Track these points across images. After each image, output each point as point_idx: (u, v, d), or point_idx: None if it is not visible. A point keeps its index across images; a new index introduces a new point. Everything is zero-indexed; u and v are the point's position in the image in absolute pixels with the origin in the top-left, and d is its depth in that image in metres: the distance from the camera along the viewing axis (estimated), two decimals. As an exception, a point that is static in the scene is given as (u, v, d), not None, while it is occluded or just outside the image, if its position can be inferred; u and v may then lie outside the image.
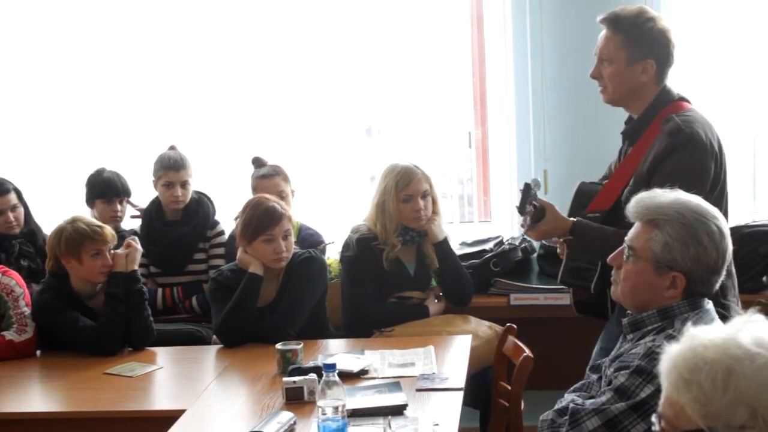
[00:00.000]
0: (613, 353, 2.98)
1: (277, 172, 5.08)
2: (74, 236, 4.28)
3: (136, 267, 4.40)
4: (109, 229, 4.37)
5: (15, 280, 4.42)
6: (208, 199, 5.31)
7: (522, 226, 3.73)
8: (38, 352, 4.38)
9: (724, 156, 3.58)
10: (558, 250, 3.85)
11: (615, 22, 3.61)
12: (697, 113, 3.60)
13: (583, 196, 3.82)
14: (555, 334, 4.75)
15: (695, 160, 3.45)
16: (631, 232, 2.88)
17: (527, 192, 3.65)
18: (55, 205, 5.67)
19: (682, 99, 3.66)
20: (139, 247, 4.45)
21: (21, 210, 5.10)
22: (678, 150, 3.44)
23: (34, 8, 5.90)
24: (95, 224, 4.37)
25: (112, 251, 4.36)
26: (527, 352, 3.74)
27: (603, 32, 3.66)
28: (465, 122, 5.80)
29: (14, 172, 5.43)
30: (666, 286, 2.79)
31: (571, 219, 3.65)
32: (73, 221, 4.34)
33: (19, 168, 5.74)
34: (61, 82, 5.95)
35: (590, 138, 5.23)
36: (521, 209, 3.67)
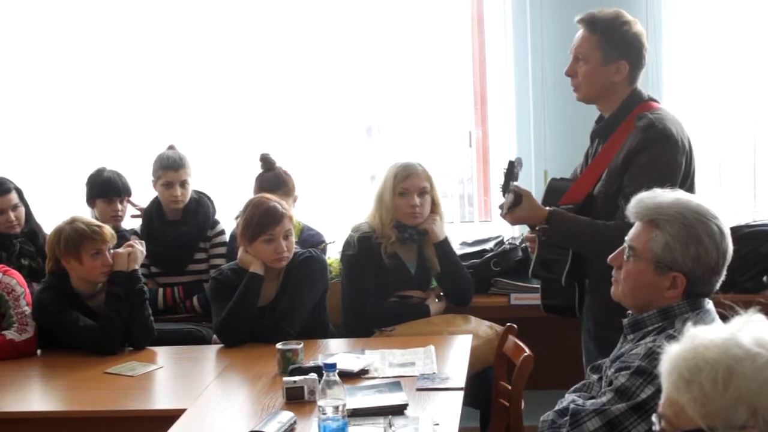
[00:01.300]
0: (613, 353, 2.98)
1: (276, 186, 5.02)
2: (73, 236, 4.28)
3: (137, 266, 4.40)
4: (108, 229, 4.37)
5: (16, 280, 4.42)
6: (208, 198, 5.31)
7: (500, 208, 3.81)
8: (39, 352, 4.37)
9: (693, 154, 3.73)
10: (528, 245, 3.95)
11: (592, 23, 3.75)
12: (668, 112, 3.77)
13: (554, 192, 3.98)
14: (555, 333, 4.73)
15: (667, 155, 3.60)
16: (631, 232, 2.89)
17: (511, 170, 3.77)
18: (55, 204, 5.68)
19: (652, 99, 3.82)
20: (141, 247, 4.45)
21: (22, 209, 5.10)
22: (651, 144, 3.59)
23: (34, 9, 5.90)
24: (94, 224, 4.38)
25: (112, 251, 4.36)
26: (528, 351, 3.74)
27: (580, 32, 3.79)
28: (465, 122, 5.80)
29: (15, 171, 5.44)
30: (666, 287, 2.79)
31: (548, 208, 3.77)
32: (72, 221, 4.34)
33: (19, 167, 5.75)
34: (61, 82, 5.95)
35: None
36: (504, 188, 3.78)
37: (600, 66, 3.73)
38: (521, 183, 3.87)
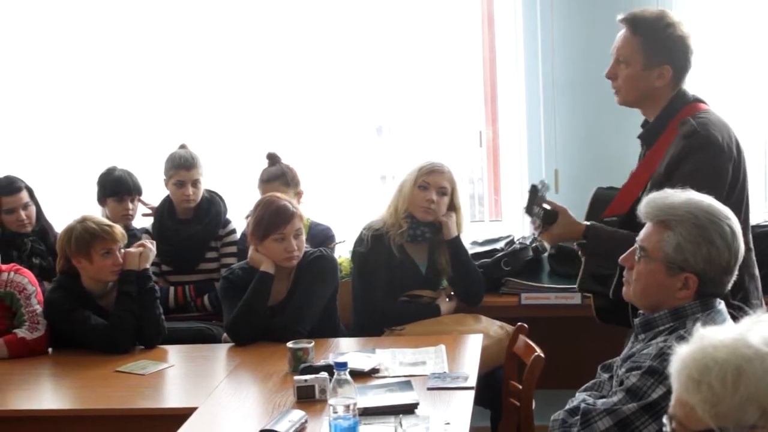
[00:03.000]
0: (624, 353, 2.98)
1: (276, 176, 5.07)
2: (84, 236, 4.29)
3: (148, 266, 4.41)
4: (118, 228, 4.38)
5: (27, 278, 4.43)
6: (220, 197, 5.33)
7: (534, 229, 3.73)
8: (50, 350, 4.38)
9: (743, 158, 3.56)
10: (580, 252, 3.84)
11: (635, 23, 3.57)
12: (714, 115, 3.56)
13: (600, 201, 3.79)
14: (566, 333, 4.75)
15: (712, 163, 3.41)
16: (642, 233, 2.88)
17: (533, 194, 3.65)
18: (66, 203, 5.70)
19: (698, 100, 3.62)
20: (153, 248, 4.46)
21: (33, 208, 5.12)
22: (694, 152, 3.41)
23: (45, 8, 5.91)
24: (105, 223, 4.39)
25: (123, 250, 4.37)
26: (538, 351, 3.73)
27: (622, 32, 3.61)
28: (476, 121, 5.80)
29: (26, 170, 5.45)
30: (678, 287, 2.78)
31: (584, 223, 3.63)
32: (83, 221, 4.35)
33: (30, 166, 5.76)
34: (72, 81, 5.97)
35: (601, 138, 5.23)
36: (528, 210, 3.67)
37: (641, 70, 3.56)
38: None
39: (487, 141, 5.76)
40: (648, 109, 3.66)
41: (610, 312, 3.78)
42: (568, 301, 4.73)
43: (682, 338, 2.54)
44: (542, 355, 3.70)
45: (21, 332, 4.29)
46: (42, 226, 5.17)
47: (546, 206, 3.62)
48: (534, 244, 5.18)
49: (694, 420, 1.82)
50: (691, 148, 3.42)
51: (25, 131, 6.02)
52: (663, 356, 2.66)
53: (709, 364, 1.80)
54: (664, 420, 1.95)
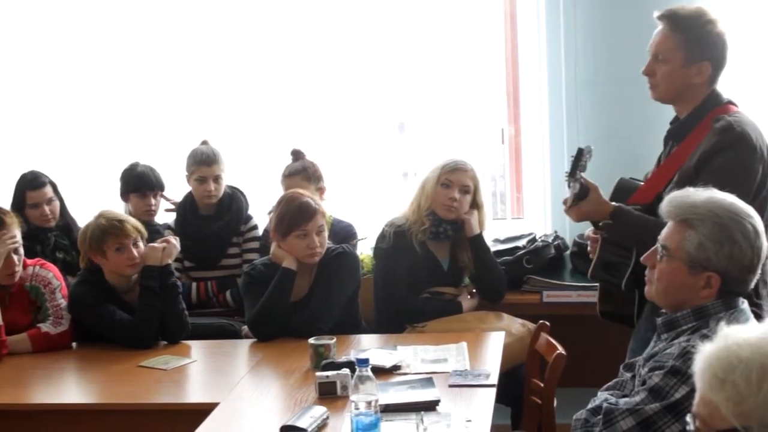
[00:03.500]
0: (647, 352, 2.97)
1: (298, 171, 5.09)
2: (96, 233, 4.32)
3: (170, 261, 4.41)
4: (131, 223, 4.38)
5: (52, 273, 4.45)
6: (242, 193, 5.34)
7: (564, 203, 3.70)
8: (74, 345, 4.41)
9: None
10: (588, 248, 3.83)
11: (675, 20, 3.56)
12: (747, 116, 3.56)
13: (623, 190, 3.78)
14: (588, 331, 4.71)
15: (743, 160, 3.41)
16: (664, 232, 2.87)
17: (579, 157, 3.60)
18: (90, 198, 5.72)
19: (731, 103, 3.62)
20: (177, 244, 4.47)
21: (57, 203, 5.15)
22: (727, 148, 3.40)
23: (69, 6, 5.94)
24: (117, 218, 4.39)
25: (146, 244, 4.39)
26: (560, 349, 3.73)
27: (660, 29, 3.60)
28: (498, 119, 5.79)
29: (50, 166, 5.48)
30: (701, 286, 2.78)
31: (613, 204, 3.61)
32: (98, 217, 4.38)
33: (54, 162, 5.79)
34: (96, 77, 5.98)
35: (624, 135, 5.20)
36: (571, 175, 3.62)
37: (681, 67, 3.54)
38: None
39: (510, 138, 5.75)
40: (682, 106, 3.64)
41: (613, 314, 3.80)
42: (590, 299, 4.66)
43: (705, 337, 2.54)
44: (564, 353, 3.69)
45: (45, 327, 4.32)
46: (66, 221, 5.19)
47: (581, 180, 3.59)
48: (556, 242, 5.18)
49: (718, 418, 1.83)
50: (725, 144, 3.41)
51: (50, 127, 6.04)
52: (686, 356, 2.66)
53: (733, 362, 1.80)
54: (688, 419, 1.95)
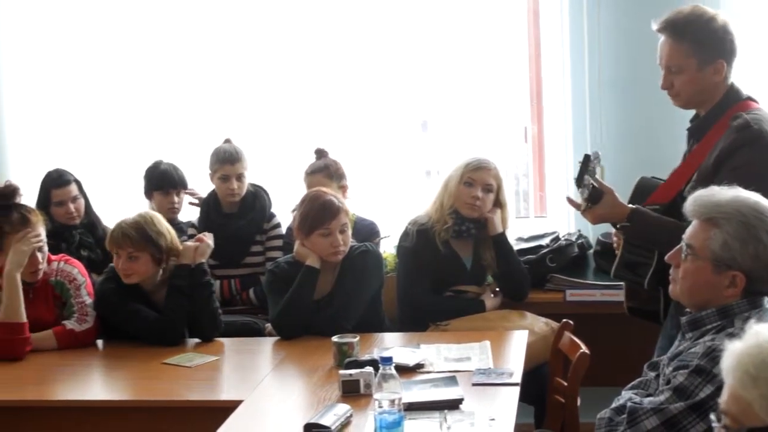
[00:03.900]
0: (671, 351, 2.97)
1: (320, 169, 5.10)
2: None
3: (204, 260, 4.40)
4: (119, 231, 4.31)
5: (77, 269, 4.46)
6: (264, 191, 5.35)
7: (579, 206, 3.70)
8: (100, 342, 4.41)
9: None
10: (614, 244, 3.82)
11: (676, 29, 3.53)
12: (766, 113, 3.53)
13: (643, 190, 3.77)
14: (611, 330, 4.71)
15: (762, 158, 3.38)
16: (689, 231, 2.86)
17: (585, 164, 3.60)
18: (114, 196, 5.76)
19: (750, 99, 3.60)
20: (210, 242, 4.45)
21: (81, 201, 5.17)
22: (745, 146, 3.39)
23: (94, 5, 5.97)
24: (116, 226, 4.39)
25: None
26: (584, 348, 3.72)
27: (663, 40, 3.57)
28: (521, 117, 5.78)
29: (75, 164, 5.52)
30: (725, 285, 2.77)
31: (630, 206, 3.60)
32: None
33: (79, 160, 5.83)
34: (121, 77, 6.02)
35: (648, 134, 5.19)
36: (578, 181, 3.62)
37: (697, 72, 3.52)
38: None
39: (533, 137, 5.75)
40: (705, 106, 3.62)
41: (640, 310, 3.78)
42: (614, 298, 4.67)
43: (731, 336, 2.52)
44: (588, 352, 3.68)
45: (70, 324, 4.32)
46: (90, 219, 5.22)
47: (594, 182, 3.59)
48: (580, 241, 5.17)
49: (751, 416, 1.82)
50: (743, 142, 3.40)
51: (74, 126, 6.08)
52: (711, 355, 2.65)
53: (766, 359, 1.79)
54: (712, 417, 1.95)
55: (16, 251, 4.24)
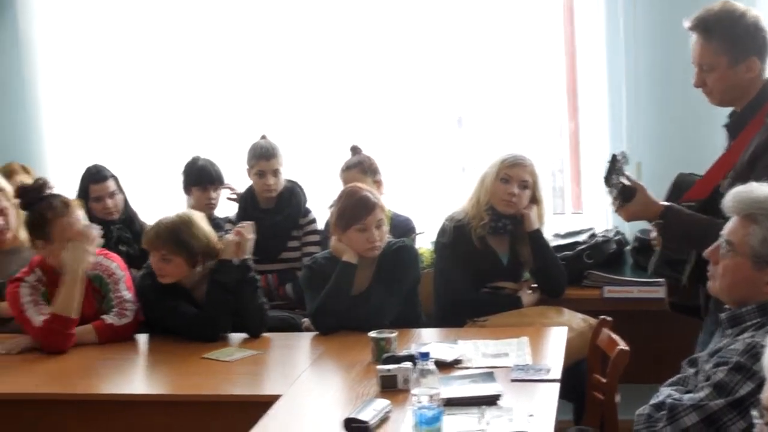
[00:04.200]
0: (710, 347, 2.96)
1: (354, 165, 5.13)
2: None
3: (247, 255, 4.39)
4: (150, 233, 4.37)
5: (116, 264, 4.49)
6: (300, 187, 5.38)
7: (612, 204, 3.69)
8: (143, 336, 4.44)
9: None
10: (653, 241, 3.81)
11: (706, 28, 3.51)
12: None
13: (680, 186, 3.76)
14: (649, 327, 4.70)
15: None
16: (727, 227, 2.86)
17: (613, 164, 3.60)
18: (152, 192, 5.81)
19: None
20: (250, 235, 4.43)
21: (119, 197, 5.22)
22: None
23: (131, 3, 6.01)
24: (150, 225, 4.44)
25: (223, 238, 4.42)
26: (622, 344, 3.71)
27: (694, 39, 3.55)
28: (557, 113, 5.77)
29: (113, 160, 5.57)
30: (765, 281, 2.77)
31: (663, 203, 3.59)
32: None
33: (117, 156, 5.88)
34: (158, 74, 6.08)
35: (685, 130, 5.16)
36: (607, 181, 3.62)
37: (728, 70, 3.49)
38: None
39: (569, 133, 5.73)
40: (739, 103, 3.59)
41: (682, 306, 3.77)
42: (652, 294, 4.68)
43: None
44: (626, 348, 3.67)
45: (109, 318, 4.35)
46: (128, 215, 5.27)
47: (624, 181, 3.58)
48: (617, 237, 5.16)
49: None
50: None
51: (112, 122, 6.14)
52: (751, 351, 2.65)
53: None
54: (754, 413, 1.95)
55: (78, 248, 4.28)
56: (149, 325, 4.47)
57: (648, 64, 5.24)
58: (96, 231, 4.36)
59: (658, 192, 3.75)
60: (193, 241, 4.29)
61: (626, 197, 3.57)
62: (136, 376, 4.12)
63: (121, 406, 3.71)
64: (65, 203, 4.34)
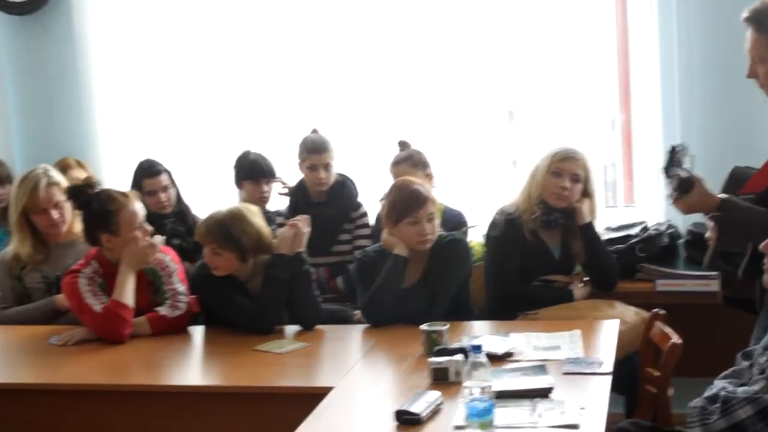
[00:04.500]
0: (765, 340, 2.94)
1: (404, 159, 5.14)
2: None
3: (302, 249, 4.40)
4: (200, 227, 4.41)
5: (170, 256, 4.53)
6: (351, 181, 5.39)
7: (669, 196, 3.67)
8: (199, 328, 4.48)
9: None
10: (707, 234, 3.78)
11: (758, 21, 3.51)
12: None
13: (736, 179, 3.74)
14: (702, 320, 4.67)
15: None
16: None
17: (672, 154, 3.59)
18: (205, 186, 5.86)
19: None
20: (305, 228, 4.43)
21: (172, 190, 5.27)
22: None
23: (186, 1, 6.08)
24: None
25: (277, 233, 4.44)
26: (675, 338, 3.69)
27: (748, 32, 3.55)
28: (608, 106, 5.74)
29: (166, 154, 5.62)
30: (821, 275, 2.74)
31: (720, 195, 3.57)
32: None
33: (170, 150, 5.93)
34: (210, 69, 6.13)
35: (739, 123, 5.11)
36: (666, 172, 3.60)
37: None
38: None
39: (621, 126, 5.70)
40: None
41: (736, 300, 3.74)
42: (705, 288, 4.64)
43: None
44: (679, 341, 3.65)
45: (163, 310, 4.38)
46: (181, 208, 5.32)
47: (682, 173, 3.56)
48: (670, 230, 5.12)
49: None
50: None
51: (165, 117, 6.19)
52: (806, 344, 2.63)
53: None
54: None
55: (134, 252, 4.35)
56: (207, 316, 4.50)
57: (701, 55, 5.19)
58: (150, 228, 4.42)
59: (712, 185, 3.73)
60: (243, 236, 4.31)
61: (684, 189, 3.55)
62: (190, 368, 4.15)
63: (174, 398, 3.73)
64: (124, 194, 4.39)
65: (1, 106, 6.19)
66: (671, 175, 3.57)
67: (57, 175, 4.85)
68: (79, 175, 5.42)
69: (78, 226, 4.60)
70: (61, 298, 4.56)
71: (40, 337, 4.41)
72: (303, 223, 4.44)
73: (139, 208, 4.40)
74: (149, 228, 4.41)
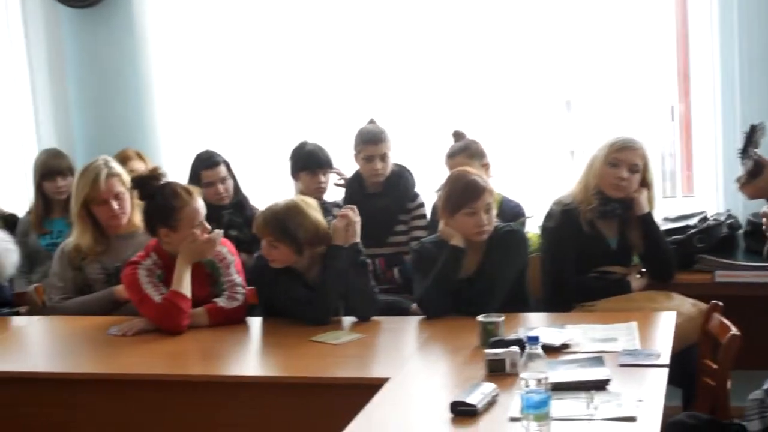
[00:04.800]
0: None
1: (460, 150, 5.12)
2: None
3: (357, 239, 4.40)
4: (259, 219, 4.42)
5: (227, 248, 4.55)
6: (408, 171, 5.39)
7: (738, 180, 3.61)
8: (257, 320, 4.50)
9: None
10: (764, 226, 3.74)
11: None
12: None
13: None
14: (762, 312, 4.62)
15: None
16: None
17: (751, 134, 3.52)
18: (263, 177, 5.89)
19: None
20: (356, 218, 4.42)
21: (230, 182, 5.30)
22: None
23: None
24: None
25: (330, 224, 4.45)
26: (734, 330, 3.65)
27: None
28: (667, 95, 5.69)
29: (224, 145, 5.65)
30: None
31: None
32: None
33: (228, 141, 5.97)
34: (267, 61, 6.17)
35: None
36: (743, 153, 3.54)
37: None
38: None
39: (680, 116, 5.64)
40: None
41: None
42: (765, 279, 4.60)
43: None
44: (739, 334, 3.61)
45: (221, 302, 4.41)
46: (239, 200, 5.35)
47: (754, 156, 3.50)
48: (729, 221, 5.06)
49: None
50: None
51: (223, 108, 6.24)
52: None
53: None
54: None
55: (192, 247, 4.38)
56: (264, 308, 4.53)
57: (762, 44, 5.13)
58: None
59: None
60: (299, 229, 4.31)
61: (754, 173, 3.50)
62: (247, 359, 4.17)
63: (231, 388, 3.75)
64: (188, 191, 4.42)
65: (62, 99, 6.28)
66: (748, 156, 3.50)
67: (117, 167, 4.90)
68: (139, 166, 5.49)
69: (138, 218, 4.65)
70: (120, 289, 4.61)
71: (99, 327, 4.46)
72: (352, 213, 4.43)
73: (201, 206, 4.42)
74: (208, 227, 4.44)
